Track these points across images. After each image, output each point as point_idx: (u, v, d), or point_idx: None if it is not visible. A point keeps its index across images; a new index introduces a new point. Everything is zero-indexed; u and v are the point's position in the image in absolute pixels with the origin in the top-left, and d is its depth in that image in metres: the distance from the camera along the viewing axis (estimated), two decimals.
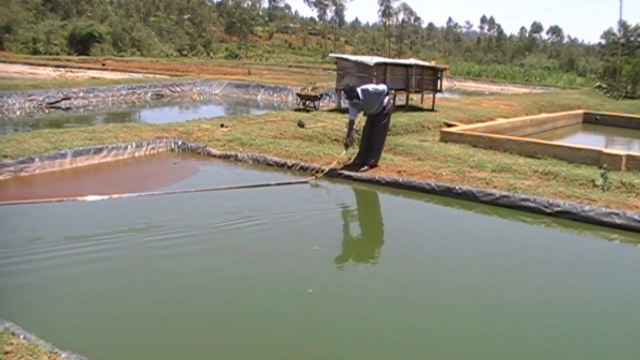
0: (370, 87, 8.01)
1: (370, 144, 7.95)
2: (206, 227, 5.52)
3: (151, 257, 4.75)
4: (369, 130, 7.99)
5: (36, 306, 3.83)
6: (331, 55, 23.23)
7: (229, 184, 7.05)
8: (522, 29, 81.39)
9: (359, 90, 7.73)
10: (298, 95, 15.91)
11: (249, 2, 65.96)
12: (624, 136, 15.46)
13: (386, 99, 7.93)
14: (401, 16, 73.65)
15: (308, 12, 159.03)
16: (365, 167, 7.79)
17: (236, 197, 6.61)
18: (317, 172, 7.62)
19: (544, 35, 79.21)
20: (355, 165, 7.90)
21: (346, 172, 7.72)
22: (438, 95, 16.57)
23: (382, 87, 8.05)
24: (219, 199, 6.50)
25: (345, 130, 8.19)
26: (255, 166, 8.19)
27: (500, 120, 13.69)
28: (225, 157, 8.52)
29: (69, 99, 16.32)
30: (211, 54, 50.81)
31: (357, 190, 7.41)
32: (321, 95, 15.91)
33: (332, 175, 7.63)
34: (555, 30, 79.16)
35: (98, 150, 8.01)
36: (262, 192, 6.91)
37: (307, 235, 5.53)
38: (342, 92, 8.99)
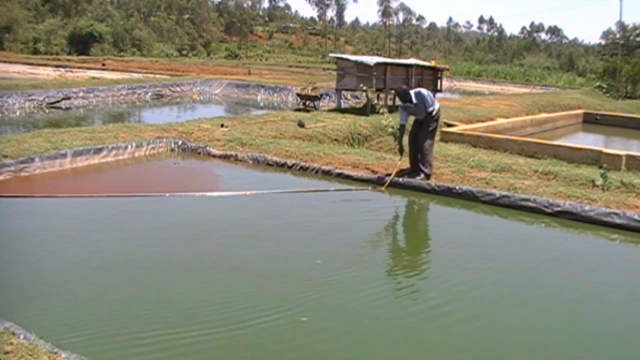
0: (424, 91, 7.65)
1: (417, 147, 7.56)
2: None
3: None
4: (415, 132, 7.65)
5: (36, 306, 3.83)
6: (331, 55, 23.27)
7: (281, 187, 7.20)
8: (523, 28, 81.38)
9: (412, 93, 7.42)
10: (298, 95, 15.91)
11: (249, 2, 65.97)
12: (624, 136, 15.45)
13: (437, 105, 7.66)
14: (401, 16, 73.71)
15: (308, 12, 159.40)
16: (422, 176, 7.42)
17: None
18: (381, 184, 7.33)
19: (543, 35, 79.24)
20: (409, 173, 7.57)
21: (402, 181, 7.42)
22: (438, 95, 16.56)
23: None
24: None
25: (396, 132, 7.68)
26: (255, 166, 8.20)
27: (500, 120, 13.69)
28: (225, 157, 8.52)
29: (69, 99, 16.32)
30: (211, 54, 50.79)
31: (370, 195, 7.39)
32: (321, 95, 15.91)
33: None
34: (554, 31, 79.14)
35: (98, 150, 8.01)
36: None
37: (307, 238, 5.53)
38: (396, 94, 8.68)
